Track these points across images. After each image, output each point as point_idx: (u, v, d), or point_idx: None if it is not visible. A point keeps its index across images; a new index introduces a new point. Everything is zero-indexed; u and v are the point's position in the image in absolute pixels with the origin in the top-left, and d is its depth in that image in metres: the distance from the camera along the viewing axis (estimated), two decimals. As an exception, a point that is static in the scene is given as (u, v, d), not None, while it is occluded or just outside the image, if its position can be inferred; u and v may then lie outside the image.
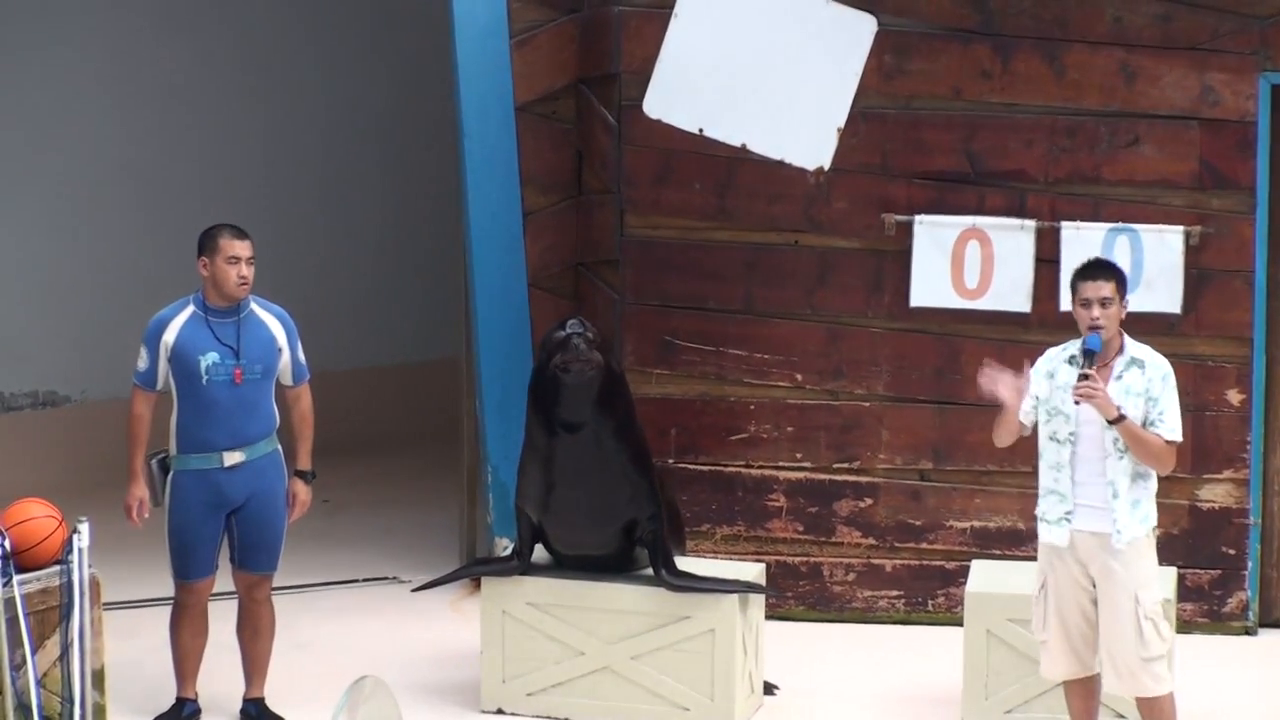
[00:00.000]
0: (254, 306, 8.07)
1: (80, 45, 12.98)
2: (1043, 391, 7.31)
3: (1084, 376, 7.08)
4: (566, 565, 8.45)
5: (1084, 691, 7.44)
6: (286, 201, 14.05)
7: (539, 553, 8.50)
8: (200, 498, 7.96)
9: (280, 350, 8.08)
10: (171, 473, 8.00)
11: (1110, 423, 7.09)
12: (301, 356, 8.20)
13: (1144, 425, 7.13)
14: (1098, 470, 7.17)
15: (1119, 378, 7.18)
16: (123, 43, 13.23)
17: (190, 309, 8.00)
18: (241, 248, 7.94)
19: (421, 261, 14.62)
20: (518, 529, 8.49)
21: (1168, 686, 7.23)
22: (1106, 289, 7.16)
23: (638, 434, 8.43)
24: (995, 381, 7.33)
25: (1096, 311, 7.15)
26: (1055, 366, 7.31)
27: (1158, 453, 7.14)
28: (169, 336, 7.95)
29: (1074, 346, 7.31)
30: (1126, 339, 7.27)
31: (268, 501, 8.08)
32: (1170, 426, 7.16)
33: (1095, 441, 7.17)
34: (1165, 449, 7.16)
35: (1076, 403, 7.11)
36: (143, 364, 8.01)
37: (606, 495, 8.23)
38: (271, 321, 8.09)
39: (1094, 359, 7.15)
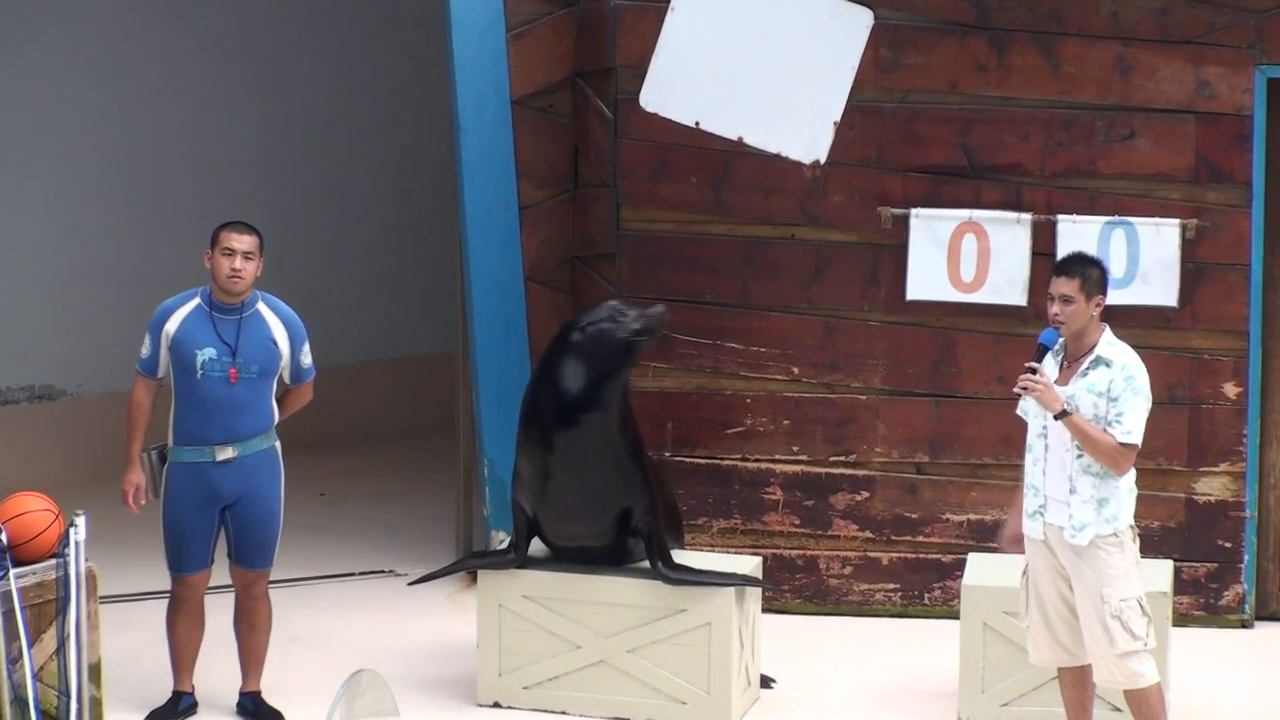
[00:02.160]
0: (261, 306, 8.05)
1: (77, 36, 12.97)
2: None
3: (1031, 370, 7.11)
4: (562, 558, 8.46)
5: (1075, 680, 7.45)
6: (284, 195, 14.05)
7: (535, 546, 8.51)
8: (193, 491, 7.97)
9: (280, 354, 8.07)
10: (167, 464, 8.01)
11: (1055, 418, 7.11)
12: (306, 360, 8.17)
13: (1106, 426, 7.13)
14: (1061, 464, 7.20)
15: (1084, 375, 7.18)
16: (120, 34, 13.22)
17: (195, 301, 8.00)
18: (238, 241, 7.93)
19: (419, 256, 14.61)
20: (514, 522, 8.50)
21: (1147, 680, 7.22)
22: (1068, 287, 7.15)
23: (636, 427, 8.48)
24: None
25: (1056, 308, 7.17)
26: (1047, 361, 7.32)
27: (1108, 451, 7.10)
28: (170, 326, 7.96)
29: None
30: (1103, 337, 7.24)
31: (261, 499, 8.07)
32: (1125, 429, 7.11)
33: (1061, 435, 7.18)
34: (1117, 450, 7.11)
35: (1017, 394, 7.17)
36: (145, 351, 8.03)
37: (602, 484, 8.25)
38: (275, 323, 8.07)
39: (1044, 354, 7.18)
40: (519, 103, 10.19)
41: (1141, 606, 7.19)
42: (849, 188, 9.75)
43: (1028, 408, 7.42)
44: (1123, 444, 7.10)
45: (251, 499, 8.04)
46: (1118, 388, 7.14)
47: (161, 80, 13.44)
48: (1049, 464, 7.24)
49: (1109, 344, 7.25)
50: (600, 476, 8.25)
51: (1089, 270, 7.22)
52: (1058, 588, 7.30)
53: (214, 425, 7.93)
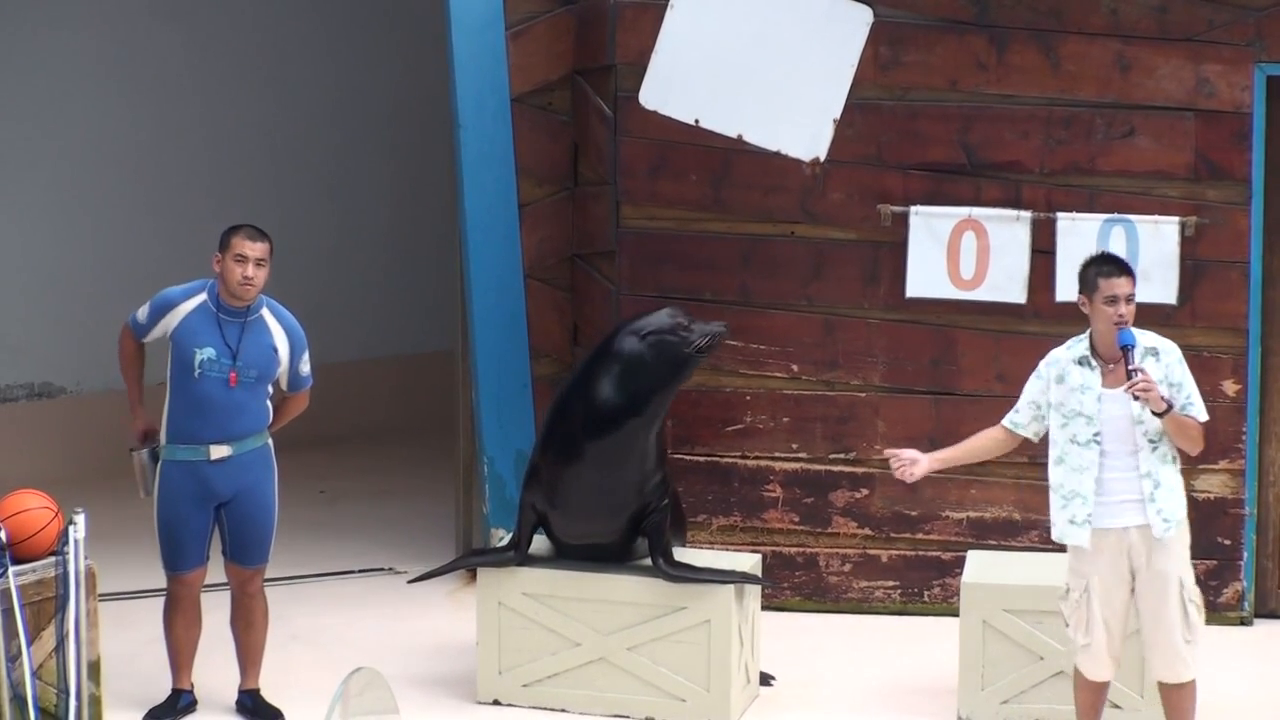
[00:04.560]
0: (265, 312, 8.05)
1: (80, 33, 12.96)
2: (1054, 397, 7.26)
3: (1132, 373, 7.02)
4: (568, 554, 8.46)
5: (1099, 686, 7.41)
6: (285, 193, 14.04)
7: (537, 543, 8.51)
8: (187, 490, 7.96)
9: (280, 361, 8.07)
10: (160, 463, 8.00)
11: (1158, 415, 7.05)
12: (305, 369, 8.17)
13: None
14: (1129, 465, 7.14)
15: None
16: (123, 31, 13.21)
17: (202, 297, 7.98)
18: (251, 248, 7.92)
19: (419, 253, 14.61)
20: (518, 520, 8.49)
21: (1195, 671, 7.28)
22: (1130, 286, 7.16)
23: (665, 430, 8.53)
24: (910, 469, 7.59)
25: (1124, 309, 7.13)
26: (1064, 369, 7.26)
27: (1195, 436, 7.18)
28: (174, 319, 7.94)
29: (1078, 346, 7.27)
30: (1134, 330, 7.24)
31: (256, 496, 8.07)
32: (1199, 407, 7.20)
33: (1124, 437, 7.13)
34: (1199, 429, 7.19)
35: (1135, 398, 7.02)
36: (143, 317, 8.03)
37: (629, 486, 8.27)
38: (278, 330, 8.06)
39: (1131, 354, 7.10)
40: (518, 100, 10.19)
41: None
42: (849, 185, 9.75)
43: (1027, 419, 7.35)
44: (1201, 423, 7.20)
45: (246, 496, 8.04)
46: (1175, 372, 7.19)
47: (162, 78, 13.44)
48: (1105, 469, 7.16)
49: (1143, 334, 7.25)
50: (630, 479, 8.27)
51: (1131, 268, 7.27)
52: (1122, 599, 7.24)
53: (209, 425, 7.93)
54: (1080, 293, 7.28)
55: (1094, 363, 7.22)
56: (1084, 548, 7.22)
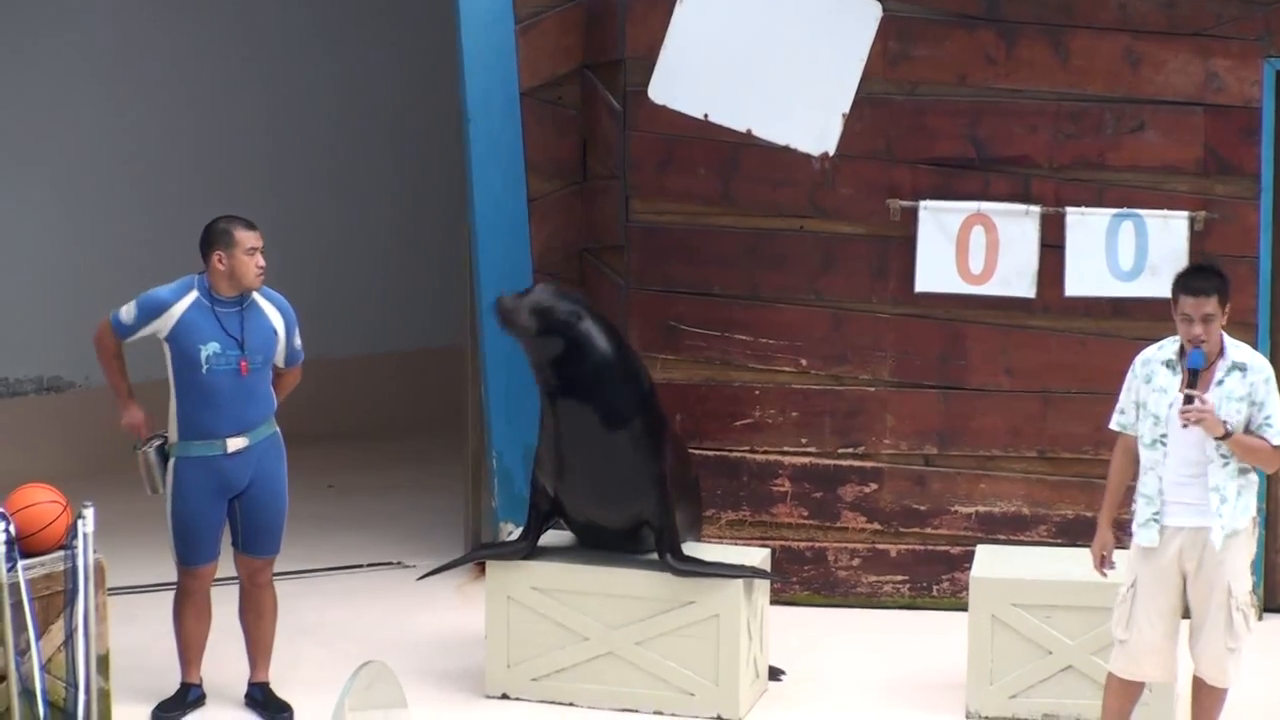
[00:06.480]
0: (255, 295, 8.07)
1: (83, 29, 12.97)
2: (1142, 396, 7.20)
3: (1190, 399, 6.94)
4: (579, 534, 8.49)
5: (1130, 691, 7.38)
6: (292, 188, 14.04)
7: (548, 537, 8.51)
8: (204, 484, 7.97)
9: (279, 340, 8.10)
10: (172, 460, 7.99)
11: (1218, 439, 7.00)
12: (298, 343, 8.22)
13: (1248, 428, 7.05)
14: (1196, 472, 7.08)
15: (1220, 383, 7.07)
16: (127, 27, 13.21)
17: (194, 295, 7.97)
18: (256, 238, 7.97)
19: (427, 248, 14.61)
20: (530, 503, 8.50)
21: (1235, 680, 7.26)
22: (1209, 305, 7.01)
23: (661, 421, 8.45)
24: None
25: (1198, 329, 7.01)
26: (1152, 370, 7.18)
27: (1267, 458, 7.07)
28: (169, 320, 7.90)
29: (1170, 347, 7.19)
30: (1227, 341, 7.14)
31: (270, 485, 8.09)
32: (1277, 430, 7.06)
33: (1194, 445, 7.06)
34: (1272, 453, 7.07)
35: (1185, 425, 6.97)
36: (127, 318, 7.98)
37: (608, 470, 8.26)
38: (272, 311, 8.10)
39: (1198, 377, 7.03)
40: (527, 95, 10.18)
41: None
42: (857, 179, 9.75)
43: (1132, 420, 7.26)
44: (1275, 446, 7.07)
45: (261, 485, 8.06)
46: (1260, 391, 7.07)
47: (168, 74, 13.43)
48: (1171, 470, 7.10)
49: (1235, 347, 7.15)
50: (597, 459, 8.26)
51: (1222, 284, 7.10)
52: (1168, 599, 7.20)
53: (224, 417, 7.93)
54: (1172, 305, 7.21)
55: (1178, 367, 7.13)
56: (1142, 545, 7.15)
